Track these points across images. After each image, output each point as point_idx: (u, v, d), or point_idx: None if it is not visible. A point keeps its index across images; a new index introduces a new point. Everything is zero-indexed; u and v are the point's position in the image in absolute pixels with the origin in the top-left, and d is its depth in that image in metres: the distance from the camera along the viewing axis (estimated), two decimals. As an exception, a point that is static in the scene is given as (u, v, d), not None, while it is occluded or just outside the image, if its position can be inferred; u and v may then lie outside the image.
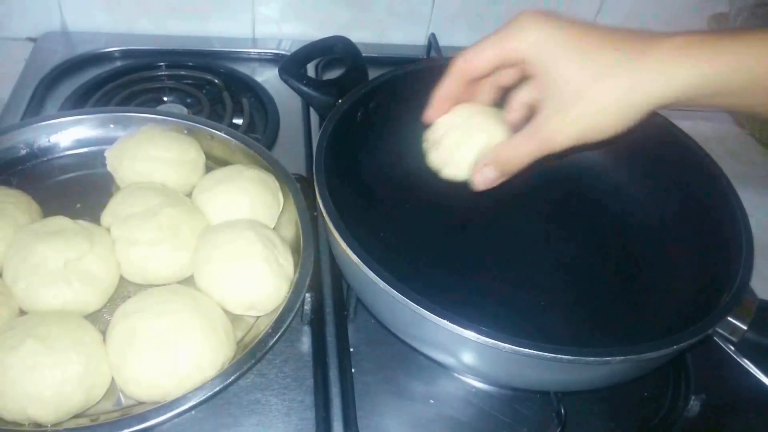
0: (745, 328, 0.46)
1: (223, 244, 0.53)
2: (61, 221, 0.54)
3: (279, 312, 0.50)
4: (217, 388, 0.45)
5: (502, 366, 0.46)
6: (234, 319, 0.52)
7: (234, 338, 0.50)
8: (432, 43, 0.88)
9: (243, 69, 0.84)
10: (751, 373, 0.49)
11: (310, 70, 0.84)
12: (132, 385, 0.46)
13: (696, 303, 0.51)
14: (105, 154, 0.62)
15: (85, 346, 0.46)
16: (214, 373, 0.47)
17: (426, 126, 0.54)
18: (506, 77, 0.50)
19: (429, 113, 0.52)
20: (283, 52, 0.88)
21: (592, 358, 0.42)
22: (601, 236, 0.63)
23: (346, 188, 0.58)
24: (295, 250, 0.56)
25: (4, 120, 0.73)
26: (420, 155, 0.61)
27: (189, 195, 0.60)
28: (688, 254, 0.58)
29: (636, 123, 0.42)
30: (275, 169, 0.62)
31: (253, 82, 0.81)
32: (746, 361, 0.49)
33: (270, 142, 0.73)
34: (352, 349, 0.55)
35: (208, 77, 0.81)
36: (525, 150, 0.45)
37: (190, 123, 0.65)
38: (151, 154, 0.60)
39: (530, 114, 0.46)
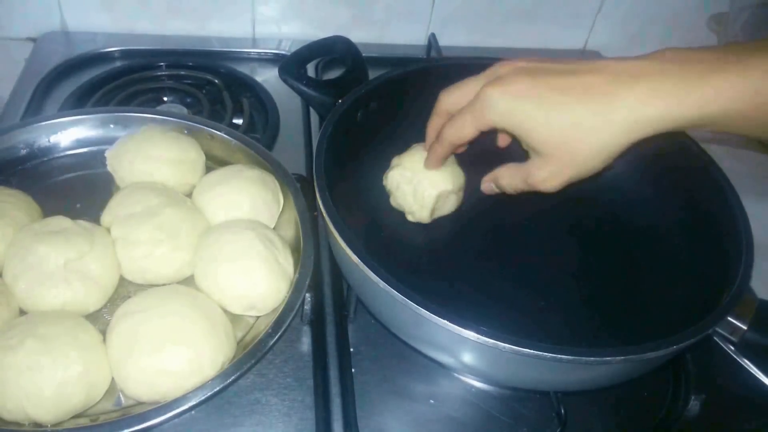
0: (745, 328, 0.46)
1: (223, 244, 0.53)
2: (61, 221, 0.54)
3: (279, 312, 0.50)
4: (217, 388, 0.45)
5: (502, 366, 0.46)
6: (234, 319, 0.52)
7: (234, 338, 0.50)
8: (432, 43, 0.88)
9: (243, 69, 0.84)
10: (751, 373, 0.49)
11: (310, 70, 0.84)
12: (132, 385, 0.46)
13: (696, 303, 0.51)
14: (105, 155, 0.62)
15: (85, 346, 0.46)
16: (214, 373, 0.47)
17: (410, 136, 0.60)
18: None
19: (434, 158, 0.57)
20: (283, 52, 0.88)
21: (591, 358, 0.42)
22: (601, 236, 0.63)
23: (346, 188, 0.58)
24: (295, 250, 0.56)
25: (4, 120, 0.73)
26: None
27: (189, 195, 0.60)
28: (688, 254, 0.58)
29: (617, 157, 0.44)
30: (275, 169, 0.62)
31: (253, 82, 0.81)
32: (746, 360, 0.49)
33: (270, 142, 0.73)
34: (352, 349, 0.55)
35: (208, 77, 0.81)
36: (517, 187, 0.50)
37: (190, 123, 0.65)
38: (150, 154, 0.60)
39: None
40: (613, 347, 0.43)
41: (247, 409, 0.50)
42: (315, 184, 0.51)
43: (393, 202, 0.62)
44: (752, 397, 0.53)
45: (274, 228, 0.59)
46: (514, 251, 0.60)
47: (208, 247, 0.53)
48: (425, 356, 0.52)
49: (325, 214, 0.49)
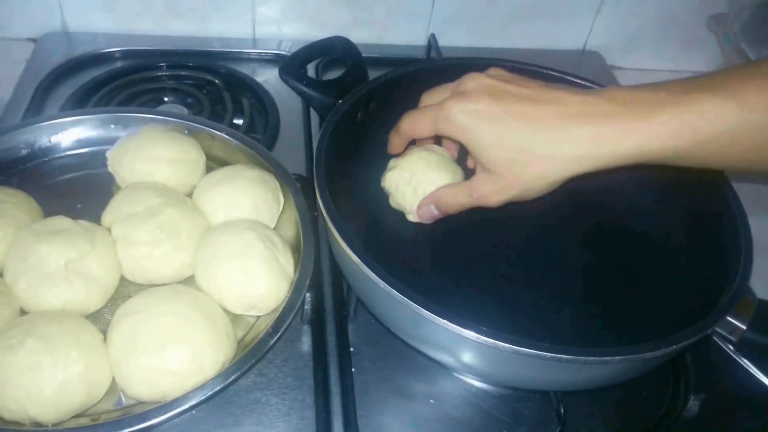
0: (744, 327, 0.46)
1: (224, 243, 0.53)
2: (61, 221, 0.54)
3: (279, 312, 0.51)
4: (218, 388, 0.45)
5: (501, 366, 0.46)
6: (234, 318, 0.52)
7: (234, 338, 0.50)
8: (432, 43, 0.88)
9: (243, 69, 0.84)
10: (751, 373, 0.49)
11: (311, 70, 0.84)
12: (133, 385, 0.46)
13: (695, 303, 0.52)
14: (106, 155, 0.62)
15: (86, 346, 0.46)
16: (215, 372, 0.47)
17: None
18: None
19: (394, 143, 0.59)
20: (283, 53, 0.88)
21: (591, 358, 0.43)
22: (601, 236, 0.63)
23: (346, 188, 0.58)
24: (296, 250, 0.56)
25: (5, 120, 0.73)
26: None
27: (189, 195, 0.60)
28: (688, 254, 0.58)
29: (560, 186, 0.48)
30: (275, 169, 0.62)
31: (253, 83, 0.81)
32: (745, 360, 0.49)
33: (270, 143, 0.73)
34: (352, 349, 0.55)
35: (209, 77, 0.81)
36: (462, 202, 0.53)
37: (191, 123, 0.65)
38: (151, 154, 0.60)
39: None
40: (612, 347, 0.43)
41: (248, 408, 0.50)
42: (315, 184, 0.51)
43: (392, 202, 0.62)
44: (751, 397, 0.53)
45: (274, 228, 0.59)
46: (514, 251, 0.60)
47: (208, 247, 0.54)
48: (425, 356, 0.52)
49: (325, 214, 0.49)
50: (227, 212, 0.58)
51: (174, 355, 0.46)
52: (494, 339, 0.42)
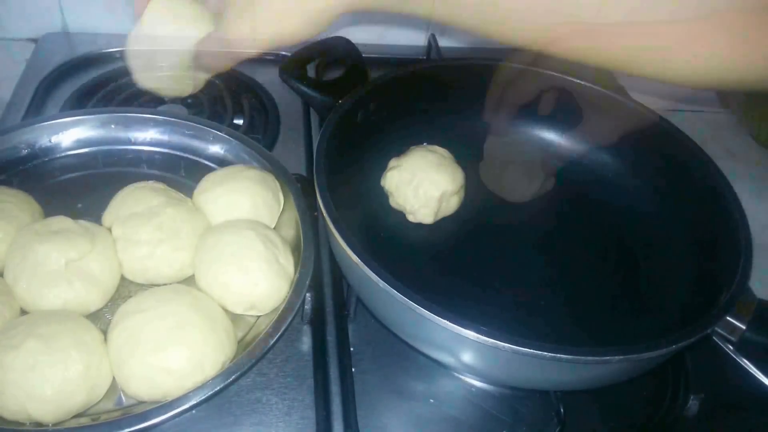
0: (744, 327, 0.46)
1: (224, 244, 0.53)
2: (62, 221, 0.54)
3: (279, 311, 0.51)
4: (218, 388, 0.45)
5: (501, 365, 0.46)
6: (234, 318, 0.52)
7: (235, 338, 0.51)
8: (432, 43, 0.88)
9: (243, 69, 0.84)
10: (750, 373, 0.49)
11: (310, 70, 0.84)
12: (133, 385, 0.46)
13: (695, 302, 0.52)
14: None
15: (86, 346, 0.46)
16: (215, 372, 0.47)
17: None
18: None
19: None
20: (283, 53, 0.88)
21: (591, 358, 0.43)
22: (601, 237, 0.63)
23: (346, 188, 0.58)
24: (296, 250, 0.56)
25: (6, 120, 0.73)
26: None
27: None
28: (687, 254, 0.58)
29: (323, 28, 0.41)
30: (275, 169, 0.62)
31: (253, 83, 0.81)
32: (745, 360, 0.49)
33: (270, 143, 0.73)
34: (352, 349, 0.55)
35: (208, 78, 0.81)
36: (216, 49, 0.45)
37: (191, 123, 0.65)
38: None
39: None
40: (612, 347, 0.43)
41: (248, 408, 0.50)
42: (315, 184, 0.52)
43: (393, 202, 0.62)
44: (751, 397, 0.53)
45: (274, 228, 0.59)
46: (514, 251, 0.60)
47: (208, 247, 0.54)
48: (425, 356, 0.52)
49: (325, 214, 0.50)
50: (227, 212, 0.58)
51: (174, 355, 0.46)
52: (494, 339, 0.42)
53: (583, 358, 0.42)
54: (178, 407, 0.44)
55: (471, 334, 0.42)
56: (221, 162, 0.65)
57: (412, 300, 0.44)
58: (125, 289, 0.55)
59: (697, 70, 0.41)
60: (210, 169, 0.63)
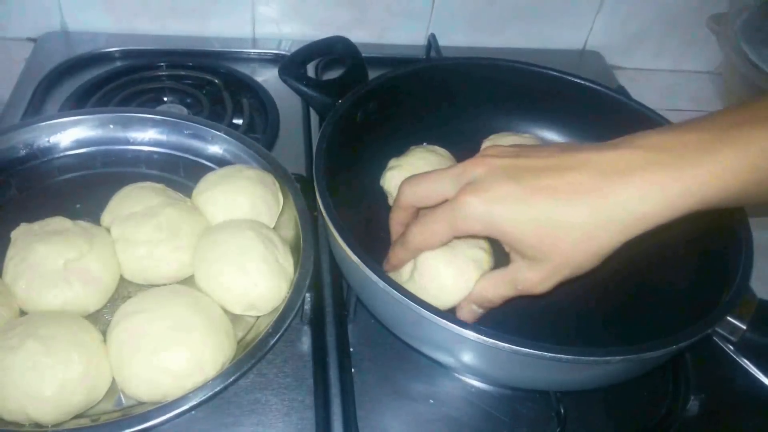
0: (744, 327, 0.46)
1: (223, 243, 0.53)
2: (60, 222, 0.54)
3: (279, 312, 0.51)
4: (218, 388, 0.45)
5: (501, 366, 0.46)
6: (234, 318, 0.52)
7: (235, 338, 0.50)
8: (432, 43, 0.88)
9: (243, 69, 0.84)
10: (751, 373, 0.49)
11: (310, 70, 0.84)
12: (133, 385, 0.46)
13: (695, 302, 0.52)
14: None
15: (86, 347, 0.46)
16: (215, 373, 0.47)
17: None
18: None
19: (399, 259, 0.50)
20: (282, 53, 0.88)
21: (591, 358, 0.43)
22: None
23: (346, 188, 0.58)
24: (295, 250, 0.56)
25: (4, 120, 0.73)
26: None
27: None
28: (688, 254, 0.58)
29: (612, 253, 0.42)
30: (275, 169, 0.62)
31: (253, 83, 0.81)
32: (746, 360, 0.49)
33: (270, 143, 0.73)
34: (352, 349, 0.55)
35: (208, 77, 0.81)
36: (505, 294, 0.46)
37: (190, 123, 0.65)
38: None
39: None
40: (612, 347, 0.43)
41: (247, 408, 0.50)
42: (315, 184, 0.51)
43: (392, 202, 0.62)
44: (752, 397, 0.53)
45: (273, 228, 0.59)
46: (513, 251, 0.60)
47: (208, 247, 0.53)
48: (425, 356, 0.52)
49: (324, 214, 0.49)
50: (226, 212, 0.57)
51: (174, 356, 0.46)
52: (494, 339, 0.42)
53: (583, 358, 0.42)
54: (177, 408, 0.44)
55: (471, 334, 0.42)
56: (220, 162, 0.65)
57: (412, 300, 0.44)
58: (124, 290, 0.55)
59: None
60: (209, 169, 0.63)
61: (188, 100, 0.78)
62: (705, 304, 0.49)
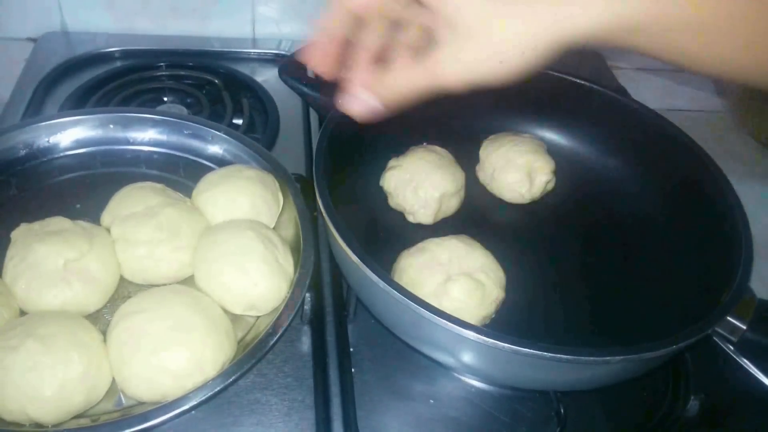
0: (744, 327, 0.46)
1: (224, 243, 0.53)
2: (60, 222, 0.54)
3: (279, 312, 0.50)
4: (218, 388, 0.45)
5: (501, 366, 0.46)
6: (234, 318, 0.52)
7: (235, 338, 0.50)
8: (432, 43, 0.87)
9: (243, 69, 0.84)
10: (751, 373, 0.49)
11: (310, 70, 0.84)
12: (133, 385, 0.46)
13: (695, 303, 0.52)
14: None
15: (86, 347, 0.46)
16: (215, 373, 0.47)
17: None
18: (395, 11, 0.43)
19: (306, 56, 0.45)
20: (282, 53, 0.88)
21: (591, 358, 0.43)
22: (601, 236, 0.63)
23: (345, 188, 0.58)
24: (295, 250, 0.56)
25: (4, 120, 0.73)
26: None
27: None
28: (688, 254, 0.58)
29: (538, 67, 0.39)
30: (275, 169, 0.62)
31: (253, 83, 0.81)
32: (745, 360, 0.49)
33: (270, 143, 0.73)
34: (351, 349, 0.55)
35: (208, 77, 0.81)
36: (412, 80, 0.40)
37: (190, 123, 0.65)
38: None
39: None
40: (612, 347, 0.43)
41: (247, 408, 0.50)
42: (315, 184, 0.51)
43: (392, 202, 0.62)
44: (751, 397, 0.53)
45: (273, 228, 0.59)
46: (513, 251, 0.60)
47: (208, 247, 0.53)
48: (425, 356, 0.52)
49: (324, 214, 0.49)
50: (226, 212, 0.57)
51: (174, 356, 0.46)
52: (494, 339, 0.42)
53: (583, 358, 0.42)
54: (178, 408, 0.44)
55: (471, 334, 0.42)
56: (220, 162, 0.65)
57: (412, 300, 0.44)
58: (124, 290, 0.55)
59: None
60: (209, 169, 0.63)
61: (188, 100, 0.78)
62: (705, 304, 0.49)
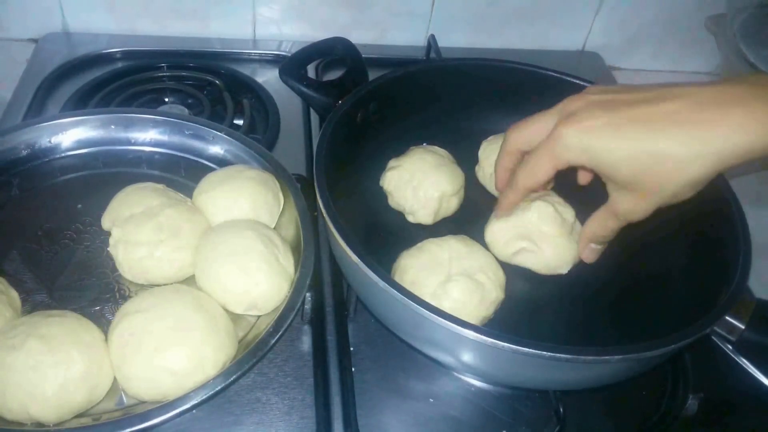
0: (743, 327, 0.46)
1: (224, 243, 0.53)
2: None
3: (280, 311, 0.51)
4: (219, 387, 0.45)
5: (501, 365, 0.47)
6: (235, 318, 0.52)
7: (236, 337, 0.51)
8: (431, 44, 0.88)
9: (244, 70, 0.84)
10: (749, 372, 0.49)
11: (311, 71, 0.84)
12: (134, 385, 0.46)
13: (694, 302, 0.52)
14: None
15: (87, 346, 0.46)
16: (216, 372, 0.47)
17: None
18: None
19: (499, 187, 0.54)
20: (283, 53, 0.88)
21: (590, 357, 0.43)
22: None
23: (346, 188, 0.59)
24: (295, 250, 0.56)
25: (6, 121, 0.73)
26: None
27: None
28: (687, 254, 0.58)
29: (706, 184, 0.42)
30: (275, 169, 0.62)
31: (253, 83, 0.81)
32: (744, 360, 0.49)
33: (270, 143, 0.74)
34: (352, 348, 0.55)
35: (209, 78, 0.81)
36: (612, 226, 0.48)
37: (191, 124, 0.65)
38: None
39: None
40: (612, 347, 0.43)
41: (248, 408, 0.50)
42: (315, 184, 0.52)
43: (392, 202, 0.62)
44: (750, 397, 0.53)
45: (274, 228, 0.59)
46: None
47: (208, 247, 0.54)
48: (425, 355, 0.52)
49: (325, 215, 0.50)
50: (227, 212, 0.58)
51: (175, 355, 0.46)
52: (494, 339, 0.42)
53: (582, 357, 0.42)
54: (179, 407, 0.44)
55: (471, 333, 0.42)
56: (221, 162, 0.65)
57: (412, 300, 0.44)
58: (126, 289, 0.55)
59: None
60: (210, 170, 0.63)
61: (189, 101, 0.78)
62: (704, 303, 0.49)
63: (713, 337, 0.47)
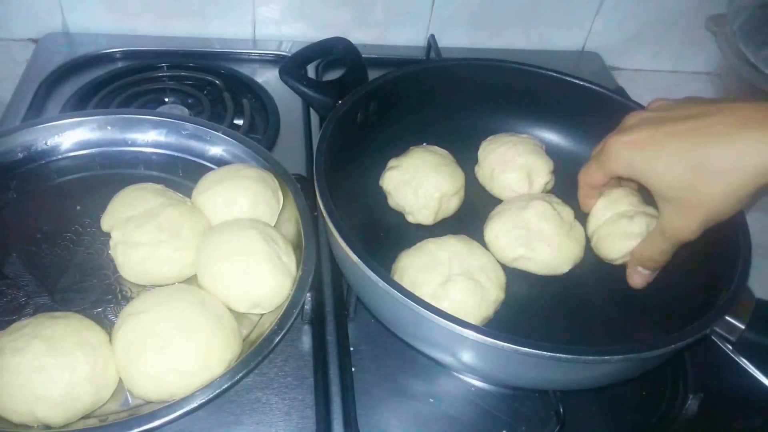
0: (743, 327, 0.46)
1: (226, 242, 0.53)
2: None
3: (283, 309, 0.51)
4: (225, 386, 0.45)
5: (501, 365, 0.47)
6: (238, 316, 0.52)
7: (240, 336, 0.51)
8: (431, 44, 0.88)
9: (244, 70, 0.84)
10: (749, 373, 0.49)
11: (311, 71, 0.84)
12: (140, 385, 0.46)
13: (694, 302, 0.52)
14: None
15: (92, 347, 0.46)
16: (222, 370, 0.47)
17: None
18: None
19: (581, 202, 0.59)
20: (283, 53, 0.88)
21: (590, 357, 0.43)
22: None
23: (346, 188, 0.59)
24: (296, 248, 0.56)
25: (6, 121, 0.73)
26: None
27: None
28: (687, 254, 0.58)
29: (748, 199, 0.44)
30: (275, 169, 0.62)
31: (253, 83, 0.81)
32: (744, 360, 0.49)
33: (270, 143, 0.74)
34: (352, 348, 0.55)
35: (209, 78, 0.81)
36: (664, 248, 0.50)
37: (190, 124, 0.65)
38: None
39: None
40: (612, 347, 0.43)
41: (248, 407, 0.50)
42: (315, 184, 0.52)
43: (392, 202, 0.62)
44: (750, 397, 0.53)
45: (274, 226, 0.59)
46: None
47: (210, 247, 0.54)
48: (425, 355, 0.52)
49: (325, 215, 0.50)
50: (227, 211, 0.58)
51: (182, 355, 0.46)
52: (494, 339, 0.42)
53: (582, 357, 0.43)
54: (185, 407, 0.44)
55: (471, 333, 0.42)
56: (221, 163, 0.65)
57: (412, 300, 0.44)
58: (127, 290, 0.55)
59: None
60: (209, 170, 0.63)
61: (189, 101, 0.78)
62: (704, 303, 0.49)
63: (713, 337, 0.47)
